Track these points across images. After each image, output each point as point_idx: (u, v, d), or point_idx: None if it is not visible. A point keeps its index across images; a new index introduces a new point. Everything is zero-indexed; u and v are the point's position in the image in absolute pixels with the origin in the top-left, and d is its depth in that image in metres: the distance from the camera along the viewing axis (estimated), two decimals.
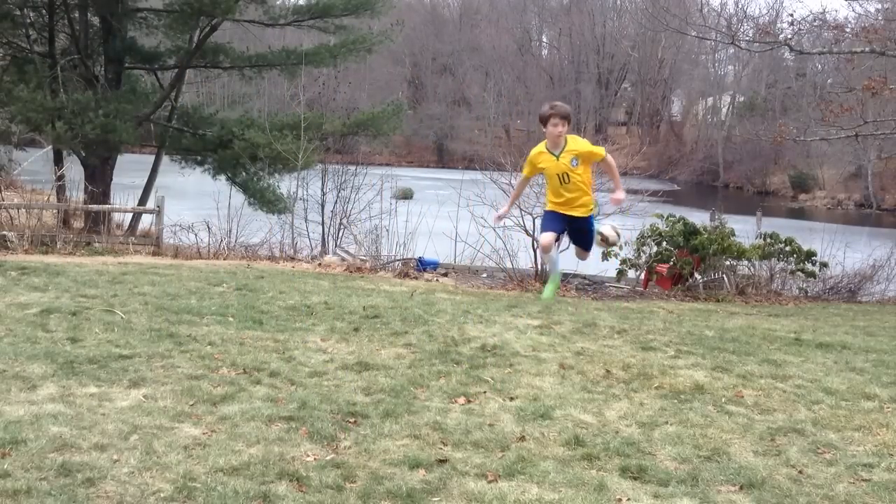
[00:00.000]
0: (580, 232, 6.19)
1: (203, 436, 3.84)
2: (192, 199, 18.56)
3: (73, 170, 15.49)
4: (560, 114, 5.92)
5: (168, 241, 12.76)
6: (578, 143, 6.04)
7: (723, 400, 4.79)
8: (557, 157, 5.98)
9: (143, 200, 16.72)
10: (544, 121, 6.03)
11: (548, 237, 5.98)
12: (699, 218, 12.10)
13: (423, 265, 12.00)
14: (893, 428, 4.37)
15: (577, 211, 6.07)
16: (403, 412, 4.30)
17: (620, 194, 6.18)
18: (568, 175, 5.95)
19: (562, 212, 6.09)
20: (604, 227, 6.31)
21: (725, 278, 11.19)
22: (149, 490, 3.24)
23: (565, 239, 6.63)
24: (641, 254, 11.59)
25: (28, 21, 16.57)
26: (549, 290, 6.07)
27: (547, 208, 6.34)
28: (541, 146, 6.12)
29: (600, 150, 6.05)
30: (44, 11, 16.37)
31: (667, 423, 4.32)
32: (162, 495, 3.20)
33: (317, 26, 17.57)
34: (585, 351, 5.98)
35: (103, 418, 4.00)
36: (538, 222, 11.61)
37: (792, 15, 14.00)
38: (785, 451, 3.99)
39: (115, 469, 3.40)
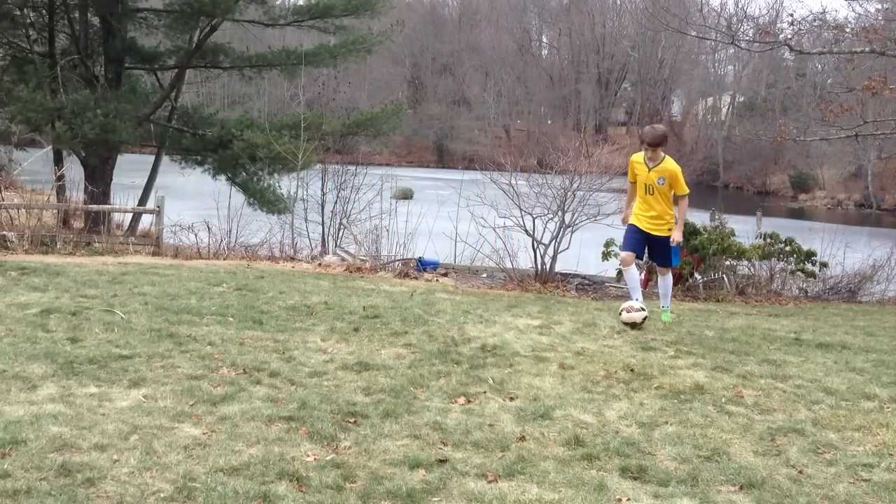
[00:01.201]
0: (658, 247, 7.02)
1: (203, 436, 3.84)
2: (192, 199, 18.56)
3: (73, 170, 15.49)
4: (650, 143, 6.80)
5: (168, 241, 12.75)
6: (670, 166, 6.85)
7: (723, 400, 4.79)
8: (649, 170, 6.87)
9: (143, 200, 16.73)
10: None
11: (627, 255, 7.02)
12: (699, 218, 12.09)
13: (423, 265, 11.99)
14: (893, 428, 4.37)
15: (656, 229, 6.91)
16: (403, 412, 4.30)
17: (677, 235, 6.87)
18: (653, 187, 6.81)
19: (643, 227, 6.93)
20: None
21: (725, 278, 11.19)
22: (149, 490, 3.24)
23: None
24: None
25: (28, 21, 16.57)
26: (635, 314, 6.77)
27: (630, 221, 7.18)
28: (640, 155, 6.99)
29: (684, 188, 6.89)
30: (44, 11, 16.37)
31: (667, 423, 4.32)
32: (162, 495, 3.20)
33: (317, 26, 17.58)
34: (585, 351, 5.98)
35: (103, 418, 4.00)
36: (538, 223, 11.62)
37: (792, 15, 14.00)
38: (785, 451, 3.99)
39: (115, 469, 3.40)
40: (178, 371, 4.87)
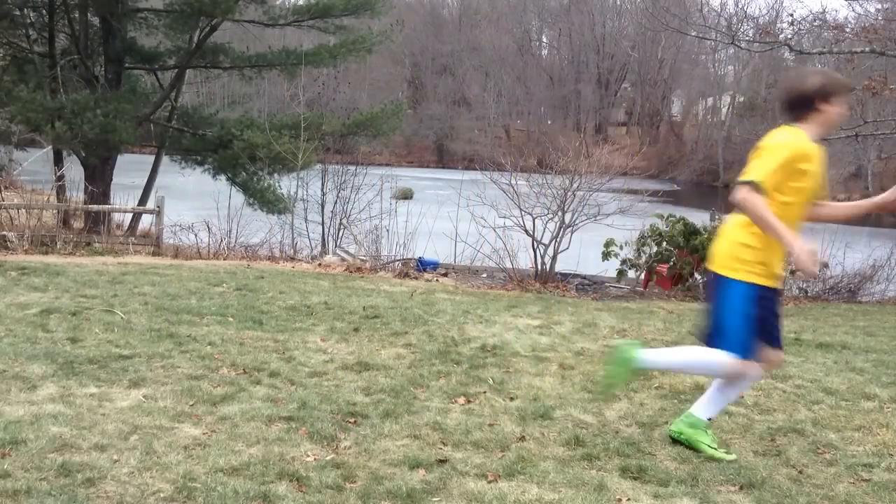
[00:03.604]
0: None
1: (203, 436, 3.84)
2: (192, 199, 18.55)
3: (73, 170, 15.50)
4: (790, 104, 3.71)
5: (168, 241, 12.76)
6: None
7: None
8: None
9: (143, 200, 16.75)
10: (827, 96, 3.54)
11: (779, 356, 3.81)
12: (699, 218, 12.09)
13: (423, 265, 11.99)
14: (893, 428, 4.37)
15: None
16: (403, 412, 4.30)
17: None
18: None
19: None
20: None
21: None
22: (149, 490, 3.24)
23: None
24: (641, 254, 11.58)
25: (28, 21, 16.60)
26: None
27: (765, 282, 3.70)
28: (805, 139, 3.61)
29: None
30: (44, 11, 16.39)
31: (667, 423, 4.32)
32: (162, 495, 3.20)
33: (317, 26, 17.61)
34: (585, 351, 5.98)
35: (103, 418, 4.00)
36: (538, 223, 11.60)
37: (792, 15, 13.98)
38: (785, 451, 3.99)
39: (115, 469, 3.40)
40: (178, 371, 4.87)
